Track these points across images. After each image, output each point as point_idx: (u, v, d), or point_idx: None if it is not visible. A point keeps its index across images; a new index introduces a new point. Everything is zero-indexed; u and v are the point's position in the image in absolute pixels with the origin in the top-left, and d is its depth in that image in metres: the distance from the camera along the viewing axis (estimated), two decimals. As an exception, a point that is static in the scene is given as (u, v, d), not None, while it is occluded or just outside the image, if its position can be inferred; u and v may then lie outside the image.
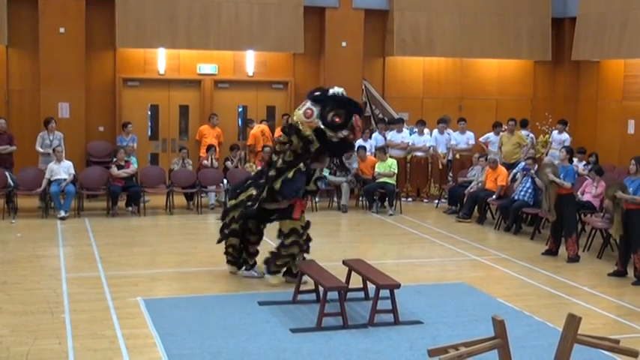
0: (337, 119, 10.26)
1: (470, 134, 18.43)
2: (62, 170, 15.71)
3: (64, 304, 9.73)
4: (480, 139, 18.38)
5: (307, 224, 10.82)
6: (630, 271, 11.52)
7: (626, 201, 11.33)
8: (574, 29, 19.57)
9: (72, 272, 11.29)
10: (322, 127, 10.25)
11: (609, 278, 11.62)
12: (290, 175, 10.35)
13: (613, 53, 18.69)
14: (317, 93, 10.50)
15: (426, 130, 18.40)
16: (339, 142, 10.43)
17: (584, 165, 16.35)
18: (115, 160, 16.27)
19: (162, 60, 18.52)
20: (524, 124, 18.46)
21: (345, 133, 10.32)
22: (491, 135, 18.26)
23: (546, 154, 16.83)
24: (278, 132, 18.12)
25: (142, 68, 18.56)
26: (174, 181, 16.63)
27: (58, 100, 17.61)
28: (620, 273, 11.65)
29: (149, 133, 18.93)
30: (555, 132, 18.09)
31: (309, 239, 10.88)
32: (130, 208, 16.15)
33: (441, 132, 18.34)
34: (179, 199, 16.74)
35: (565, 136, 17.89)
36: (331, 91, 10.46)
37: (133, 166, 16.32)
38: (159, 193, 16.72)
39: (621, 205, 11.37)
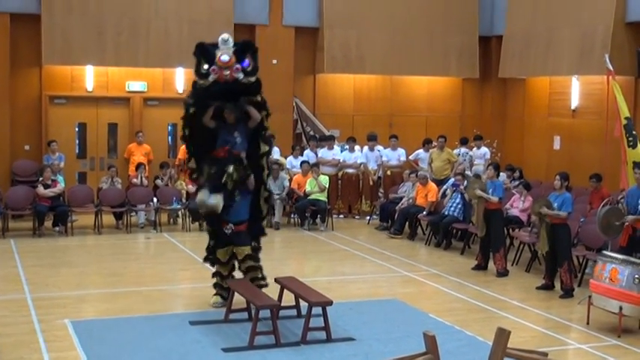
0: (205, 66, 10.05)
1: (401, 151, 18.61)
2: (-14, 190, 15.35)
3: (-11, 327, 9.50)
4: (410, 156, 18.58)
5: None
6: (557, 285, 11.76)
7: (551, 216, 11.58)
8: (501, 47, 19.96)
9: (-4, 295, 11.04)
10: (195, 79, 10.16)
11: (537, 292, 11.84)
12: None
13: (538, 71, 19.11)
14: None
15: (356, 147, 18.53)
16: (214, 87, 10.01)
17: (511, 180, 16.66)
18: (41, 179, 15.96)
19: (90, 77, 18.27)
20: (463, 142, 18.68)
21: (212, 76, 9.96)
22: (421, 152, 18.48)
23: (470, 171, 17.13)
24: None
25: (69, 85, 18.28)
26: (103, 200, 16.40)
27: (-18, 118, 17.26)
28: (548, 286, 11.89)
29: (77, 152, 18.63)
30: (474, 148, 18.42)
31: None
32: (57, 228, 15.86)
33: (372, 149, 18.49)
34: (108, 219, 16.50)
35: (484, 149, 18.28)
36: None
37: (60, 185, 16.03)
38: (87, 213, 16.44)
39: (546, 220, 11.62)
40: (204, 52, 10.11)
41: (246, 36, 18.94)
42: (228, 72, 9.96)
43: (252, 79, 10.25)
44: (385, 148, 18.67)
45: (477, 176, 14.85)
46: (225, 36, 10.15)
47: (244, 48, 10.26)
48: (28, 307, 10.41)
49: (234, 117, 10.24)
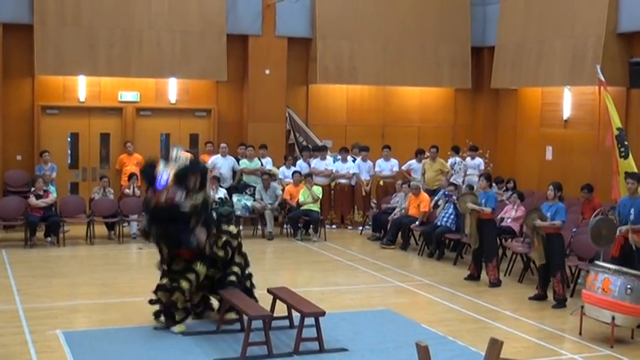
0: (149, 192, 10.21)
1: (394, 161, 18.63)
2: (-22, 200, 15.31)
3: (-20, 338, 9.45)
4: (403, 167, 18.60)
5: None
6: (550, 295, 11.77)
7: (545, 227, 11.59)
8: (493, 58, 20.03)
9: (-12, 305, 11.00)
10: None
11: (530, 302, 11.84)
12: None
13: (530, 81, 19.17)
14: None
15: (349, 158, 18.55)
16: (157, 209, 9.91)
17: (504, 191, 16.68)
18: (33, 189, 15.92)
19: (82, 87, 18.26)
20: (456, 151, 18.72)
21: (153, 201, 9.98)
22: (413, 162, 18.51)
23: (463, 182, 17.15)
24: (204, 158, 18.05)
25: (61, 96, 18.25)
26: (95, 211, 16.37)
27: (-26, 128, 17.24)
28: (541, 297, 11.89)
29: (69, 162, 18.60)
30: (468, 158, 18.45)
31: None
32: (48, 239, 15.81)
33: (364, 159, 18.51)
34: (100, 229, 16.46)
35: (478, 160, 18.30)
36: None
37: (52, 196, 16.00)
38: (79, 223, 16.39)
39: (541, 232, 11.62)
40: (148, 177, 10.20)
41: (239, 46, 19.04)
42: (163, 196, 9.82)
43: (197, 200, 9.96)
44: (377, 159, 18.70)
45: (470, 187, 14.90)
46: (174, 153, 10.14)
47: (182, 170, 10.00)
48: (19, 318, 10.36)
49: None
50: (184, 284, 9.82)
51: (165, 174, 9.90)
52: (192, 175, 10.00)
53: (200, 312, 10.43)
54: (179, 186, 9.83)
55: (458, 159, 18.47)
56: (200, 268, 9.93)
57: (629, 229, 10.63)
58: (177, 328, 9.83)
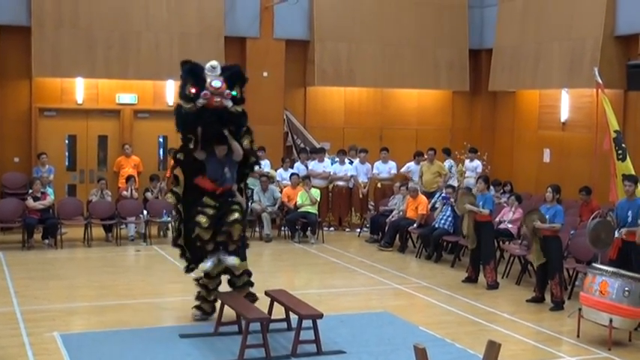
0: (192, 89, 9.66)
1: (392, 163, 18.64)
2: (-25, 202, 15.31)
3: (-23, 340, 9.44)
4: (402, 169, 18.62)
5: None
6: (548, 297, 11.77)
7: (544, 229, 11.60)
8: (490, 60, 20.05)
9: (-15, 308, 10.99)
10: (180, 102, 9.80)
11: (528, 304, 11.84)
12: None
13: (528, 84, 19.19)
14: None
15: (346, 160, 18.55)
16: (202, 113, 9.67)
17: (501, 193, 16.68)
18: (30, 191, 15.91)
19: (80, 89, 18.25)
20: (447, 153, 18.77)
21: (201, 101, 9.61)
22: (412, 164, 18.52)
23: (459, 186, 17.16)
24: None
25: (59, 98, 18.24)
26: (93, 213, 16.36)
27: (-29, 130, 17.24)
28: (538, 299, 11.89)
29: (67, 164, 18.59)
30: (467, 160, 18.48)
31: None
32: (46, 241, 15.79)
33: (363, 161, 18.52)
34: (97, 231, 16.44)
35: (476, 162, 18.33)
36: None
37: (50, 198, 15.98)
38: (76, 225, 16.38)
39: (539, 234, 11.62)
40: (193, 73, 9.81)
41: (237, 48, 19.03)
42: (219, 99, 9.69)
43: (240, 109, 10.03)
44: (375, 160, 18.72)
45: (468, 189, 14.90)
46: (214, 63, 9.89)
47: (235, 77, 10.01)
48: (16, 320, 10.35)
49: (224, 151, 9.99)
50: (201, 218, 9.81)
51: (216, 80, 9.65)
52: (240, 83, 10.03)
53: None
54: (234, 92, 9.80)
55: (451, 161, 18.50)
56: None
57: (627, 231, 10.65)
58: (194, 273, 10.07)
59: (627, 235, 10.71)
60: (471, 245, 13.14)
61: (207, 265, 9.99)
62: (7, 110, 17.74)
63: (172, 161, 10.51)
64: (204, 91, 9.60)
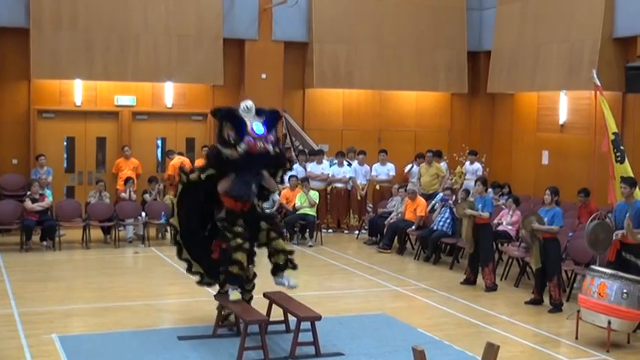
0: (232, 134, 9.32)
1: (390, 165, 18.65)
2: (-27, 204, 15.31)
3: (-25, 342, 9.44)
4: (406, 170, 18.69)
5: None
6: (546, 299, 11.77)
7: (542, 231, 11.59)
8: (489, 62, 20.06)
9: (-17, 310, 10.98)
10: (218, 147, 9.44)
11: (526, 306, 11.84)
12: None
13: (526, 86, 19.20)
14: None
15: (344, 162, 18.56)
16: (245, 159, 9.29)
17: (499, 196, 16.68)
18: (29, 193, 15.90)
19: (78, 91, 18.25)
20: (438, 155, 18.78)
21: (243, 146, 9.23)
22: (413, 166, 18.56)
23: (461, 186, 17.16)
24: (198, 164, 18.04)
25: (57, 100, 18.25)
26: (91, 215, 16.35)
27: (-31, 131, 17.25)
28: (537, 301, 11.89)
29: (65, 166, 18.59)
30: (467, 163, 18.49)
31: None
32: (44, 243, 15.78)
33: (361, 163, 18.52)
34: (96, 233, 16.44)
35: (477, 165, 18.33)
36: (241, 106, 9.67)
37: (48, 200, 15.97)
38: (75, 227, 16.36)
39: (538, 236, 11.62)
40: (231, 118, 9.41)
41: (236, 50, 19.03)
42: (262, 144, 9.37)
43: (278, 149, 9.75)
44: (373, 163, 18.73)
45: (467, 192, 14.90)
46: (249, 104, 9.57)
47: (274, 120, 9.74)
48: (15, 322, 10.34)
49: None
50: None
51: (256, 124, 9.40)
52: (277, 124, 9.87)
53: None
54: (272, 136, 9.57)
55: (445, 164, 18.53)
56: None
57: (624, 233, 10.65)
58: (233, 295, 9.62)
59: (624, 237, 10.72)
60: (469, 249, 13.15)
61: (237, 292, 9.69)
62: (5, 112, 17.75)
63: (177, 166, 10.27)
64: (248, 138, 9.26)
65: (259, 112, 9.66)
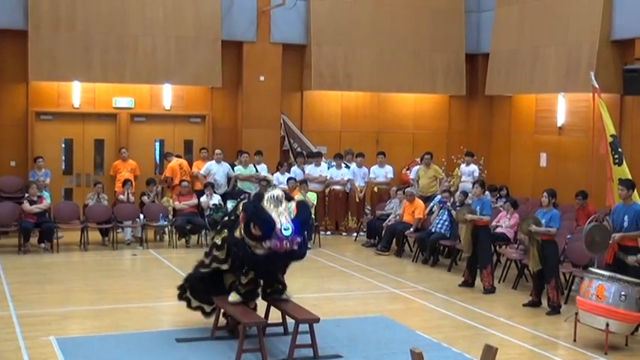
0: (259, 232, 9.06)
1: (388, 168, 18.66)
2: (-29, 206, 15.30)
3: (-27, 345, 9.43)
4: (411, 175, 18.71)
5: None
6: (544, 301, 11.77)
7: (540, 233, 11.59)
8: (487, 65, 20.08)
9: (-19, 312, 10.97)
10: (245, 238, 9.19)
11: (524, 308, 11.84)
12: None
13: (525, 88, 19.22)
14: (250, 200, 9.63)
15: (342, 164, 18.56)
16: (268, 255, 9.13)
17: (497, 198, 16.69)
18: (27, 195, 15.89)
19: (76, 93, 18.25)
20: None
21: (268, 244, 9.01)
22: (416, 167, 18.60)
23: (457, 188, 17.15)
24: (196, 166, 18.07)
25: (55, 102, 18.24)
26: (89, 217, 16.34)
27: (-33, 133, 17.25)
28: (535, 303, 11.89)
29: (63, 168, 18.58)
30: (463, 165, 18.48)
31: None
32: (42, 245, 15.77)
33: (359, 165, 18.52)
34: (94, 235, 16.43)
35: (473, 167, 18.33)
36: (267, 195, 9.41)
37: (46, 202, 15.97)
38: (73, 229, 16.35)
39: (536, 237, 11.62)
40: (260, 217, 9.10)
41: (234, 52, 19.04)
42: (288, 245, 9.11)
43: (303, 251, 9.53)
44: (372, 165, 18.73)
45: (464, 194, 14.90)
46: (279, 194, 9.40)
47: (304, 223, 9.50)
48: (12, 324, 10.32)
49: None
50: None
51: (286, 225, 9.13)
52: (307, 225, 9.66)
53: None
54: (299, 237, 9.30)
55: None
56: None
57: (623, 236, 10.66)
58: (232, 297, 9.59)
59: (621, 240, 10.73)
60: (467, 253, 13.14)
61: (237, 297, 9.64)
62: (3, 114, 17.74)
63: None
64: (274, 241, 9.02)
65: (288, 197, 9.53)
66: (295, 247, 9.22)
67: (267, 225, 9.04)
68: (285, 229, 9.08)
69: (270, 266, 9.43)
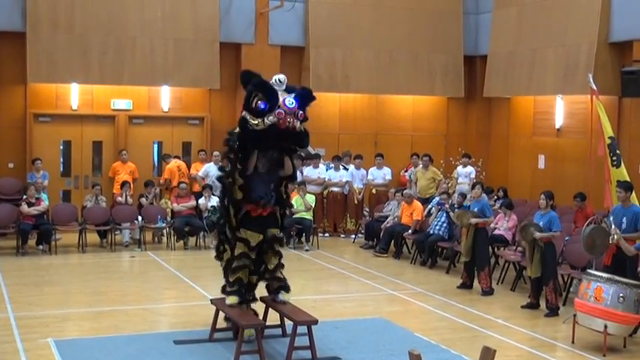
0: (262, 104, 8.98)
1: (387, 169, 18.67)
2: (-31, 208, 15.30)
3: (-29, 347, 9.42)
4: (407, 176, 18.71)
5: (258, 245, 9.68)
6: (543, 303, 11.78)
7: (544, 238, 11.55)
8: (485, 67, 20.09)
9: (-21, 314, 10.96)
10: (244, 114, 9.07)
11: (522, 310, 11.85)
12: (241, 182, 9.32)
13: (523, 90, 19.22)
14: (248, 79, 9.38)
15: (341, 166, 18.56)
16: (269, 132, 8.99)
17: (495, 200, 16.69)
18: (25, 197, 15.87)
19: (75, 95, 18.24)
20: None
21: (271, 119, 8.91)
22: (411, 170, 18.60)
23: (455, 191, 17.14)
24: (194, 168, 18.06)
25: (53, 104, 18.23)
26: (87, 218, 16.34)
27: (-34, 135, 17.24)
28: (533, 305, 11.90)
29: (61, 170, 18.57)
30: (460, 166, 18.47)
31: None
32: (40, 247, 15.77)
33: (358, 167, 18.53)
34: (92, 237, 16.43)
35: (470, 169, 18.31)
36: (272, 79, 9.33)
37: (44, 203, 15.95)
38: (71, 231, 16.35)
39: (540, 244, 11.58)
40: (263, 87, 9.10)
41: (232, 54, 19.04)
42: (291, 119, 9.03)
43: (304, 128, 9.46)
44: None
45: (462, 195, 14.89)
46: (281, 77, 9.40)
47: (307, 97, 9.46)
48: (10, 327, 10.32)
49: (267, 166, 9.46)
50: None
51: (289, 97, 9.12)
52: (309, 102, 9.54)
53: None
54: (303, 112, 9.25)
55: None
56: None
57: (619, 237, 10.67)
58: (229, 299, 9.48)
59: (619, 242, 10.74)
60: (466, 258, 13.08)
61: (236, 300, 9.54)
62: (1, 116, 17.73)
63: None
64: (279, 110, 8.94)
65: (289, 90, 9.47)
66: (297, 125, 9.13)
67: (272, 93, 8.97)
68: (288, 102, 9.05)
69: (269, 142, 9.17)
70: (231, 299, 9.49)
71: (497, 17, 19.82)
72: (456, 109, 21.39)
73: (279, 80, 9.38)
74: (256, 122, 9.01)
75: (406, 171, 19.52)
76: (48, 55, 17.40)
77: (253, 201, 9.37)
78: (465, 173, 18.15)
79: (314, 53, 19.46)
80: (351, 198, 18.45)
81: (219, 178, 10.34)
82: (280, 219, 9.93)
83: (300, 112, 9.21)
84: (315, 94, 19.70)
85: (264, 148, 9.28)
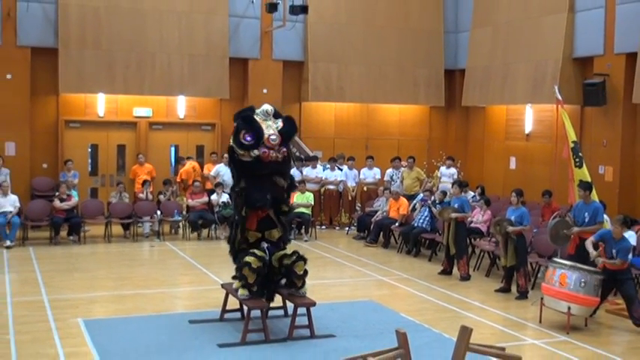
0: (248, 138, 9.00)
1: (376, 170, 18.66)
2: (8, 203, 15.26)
3: (9, 326, 9.41)
4: (385, 179, 18.62)
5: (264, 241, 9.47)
6: (514, 288, 11.78)
7: (516, 231, 11.55)
8: (463, 79, 20.08)
9: (17, 297, 10.92)
10: (232, 144, 9.09)
11: (496, 294, 11.85)
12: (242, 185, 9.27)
13: (496, 100, 19.23)
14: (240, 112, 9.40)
15: (336, 167, 18.54)
16: (253, 162, 9.04)
17: (472, 196, 16.68)
18: (57, 193, 15.86)
19: (101, 104, 18.23)
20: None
21: (256, 152, 8.96)
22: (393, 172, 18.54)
23: (437, 189, 17.11)
24: (207, 168, 18.05)
25: (82, 111, 18.21)
26: (112, 213, 16.32)
27: (5, 139, 17.14)
28: (505, 289, 11.90)
29: (89, 170, 18.55)
30: (443, 167, 18.45)
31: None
32: (71, 237, 15.75)
33: (351, 168, 18.52)
34: (116, 229, 16.41)
35: (453, 170, 18.29)
36: (257, 110, 9.31)
37: (74, 199, 15.94)
38: (98, 224, 16.33)
39: (512, 236, 11.58)
40: (249, 123, 9.05)
41: (240, 68, 19.04)
42: (274, 154, 9.04)
43: (287, 159, 9.37)
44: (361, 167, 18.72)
45: (444, 193, 14.89)
46: (268, 108, 9.29)
47: (290, 132, 9.39)
48: (44, 308, 10.32)
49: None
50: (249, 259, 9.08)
51: (273, 133, 9.04)
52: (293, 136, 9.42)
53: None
54: (285, 148, 9.19)
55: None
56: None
57: (582, 230, 10.69)
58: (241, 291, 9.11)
59: (580, 233, 10.76)
60: (452, 251, 13.01)
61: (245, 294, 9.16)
62: (37, 122, 17.71)
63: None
64: (263, 150, 8.96)
65: (276, 115, 9.42)
66: (280, 159, 9.12)
67: (257, 132, 8.97)
68: (272, 139, 9.05)
69: (255, 172, 9.13)
70: (242, 292, 9.14)
71: (475, 36, 19.83)
72: (438, 116, 21.38)
73: (266, 112, 9.32)
74: (242, 153, 9.06)
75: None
76: (77, 69, 17.38)
77: (250, 204, 9.26)
78: (448, 174, 18.10)
79: (312, 67, 19.45)
80: (345, 195, 18.44)
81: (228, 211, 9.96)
82: (279, 221, 9.68)
83: (284, 149, 9.20)
84: (313, 103, 19.94)
85: (252, 174, 9.24)
